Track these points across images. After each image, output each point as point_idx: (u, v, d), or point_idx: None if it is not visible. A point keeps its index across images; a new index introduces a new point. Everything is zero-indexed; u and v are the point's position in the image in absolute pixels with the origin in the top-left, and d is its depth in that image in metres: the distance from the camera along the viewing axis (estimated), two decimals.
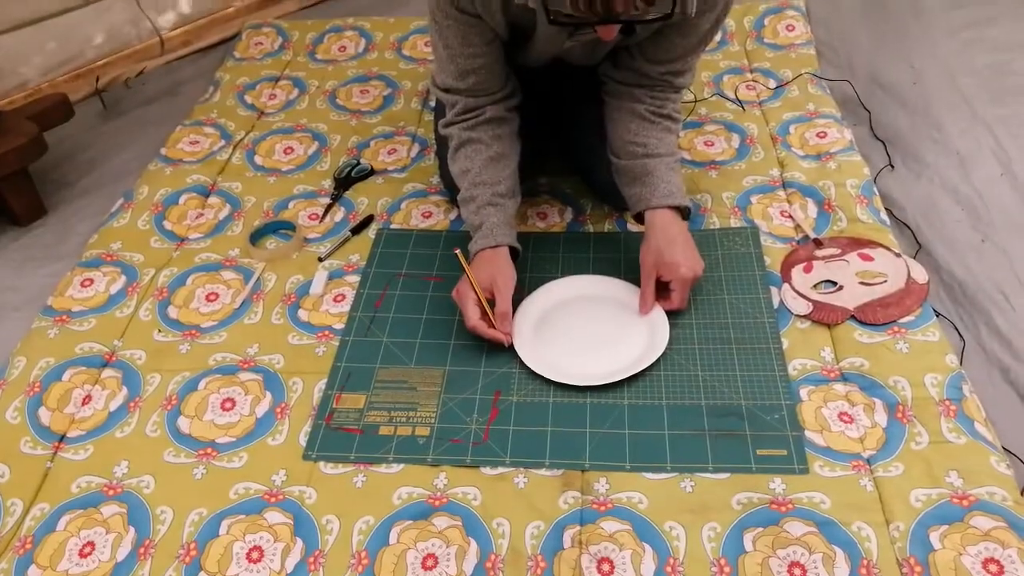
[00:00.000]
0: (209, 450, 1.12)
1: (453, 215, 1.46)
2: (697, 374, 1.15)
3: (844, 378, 1.13)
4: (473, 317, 1.15)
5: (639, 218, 1.25)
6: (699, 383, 1.14)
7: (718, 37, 1.79)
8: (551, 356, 1.18)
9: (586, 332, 1.20)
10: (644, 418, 1.10)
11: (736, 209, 1.40)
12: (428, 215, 1.47)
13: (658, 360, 1.15)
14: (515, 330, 1.21)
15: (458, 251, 1.17)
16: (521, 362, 1.17)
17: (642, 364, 1.14)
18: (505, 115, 1.23)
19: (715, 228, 1.37)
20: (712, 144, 1.55)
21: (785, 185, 1.44)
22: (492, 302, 1.18)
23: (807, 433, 1.07)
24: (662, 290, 1.21)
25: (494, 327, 1.17)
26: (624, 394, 1.13)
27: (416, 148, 1.63)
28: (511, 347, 1.18)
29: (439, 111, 1.48)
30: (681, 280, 1.18)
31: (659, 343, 1.17)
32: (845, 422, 1.08)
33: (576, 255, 1.34)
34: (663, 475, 1.05)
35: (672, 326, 1.19)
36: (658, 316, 1.20)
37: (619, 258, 1.32)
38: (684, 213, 1.22)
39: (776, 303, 1.24)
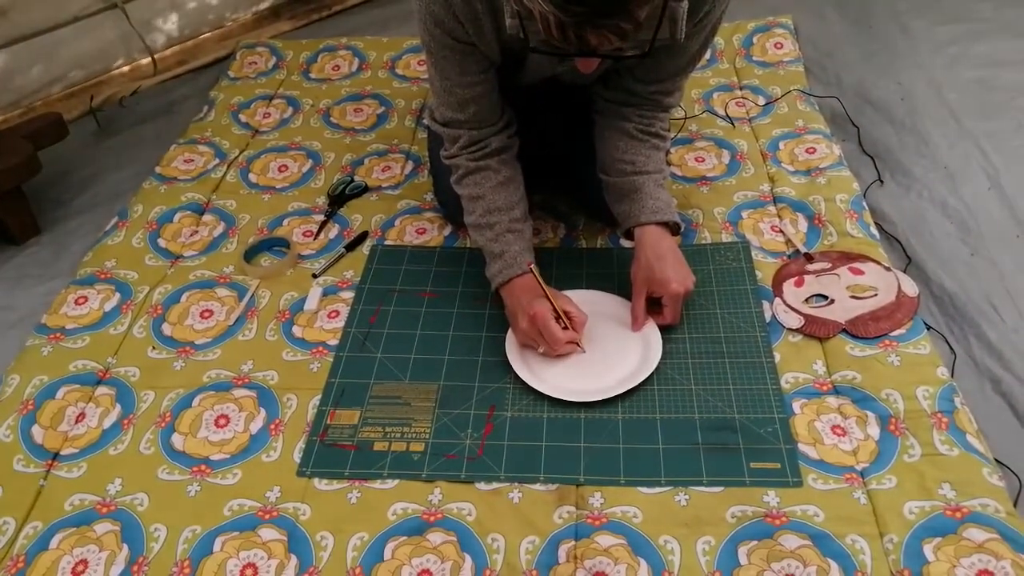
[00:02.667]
0: (203, 467, 1.12)
1: (447, 231, 1.47)
2: (691, 388, 1.15)
3: (836, 391, 1.13)
4: (560, 333, 1.14)
5: (628, 235, 1.25)
6: (693, 397, 1.14)
7: (707, 55, 1.81)
8: (546, 371, 1.18)
9: (593, 344, 1.20)
10: (638, 432, 1.10)
11: (727, 224, 1.41)
12: (422, 231, 1.47)
13: (652, 375, 1.16)
14: (509, 346, 1.21)
15: (532, 265, 1.17)
16: (515, 377, 1.17)
17: (636, 379, 1.14)
18: (507, 143, 1.24)
19: (706, 243, 1.38)
20: (703, 160, 1.56)
21: (776, 200, 1.45)
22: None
23: (800, 446, 1.07)
24: (654, 306, 1.22)
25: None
26: (618, 409, 1.13)
27: (410, 165, 1.63)
28: (505, 363, 1.19)
29: (434, 131, 1.49)
30: (672, 295, 1.18)
31: (653, 358, 1.17)
32: (838, 435, 1.08)
33: (569, 271, 1.34)
34: (657, 489, 1.05)
35: (665, 341, 1.20)
36: (651, 331, 1.21)
37: (612, 274, 1.32)
38: (674, 229, 1.23)
39: (768, 317, 1.24)
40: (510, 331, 1.23)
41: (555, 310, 1.16)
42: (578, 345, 1.18)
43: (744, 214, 1.43)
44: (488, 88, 1.18)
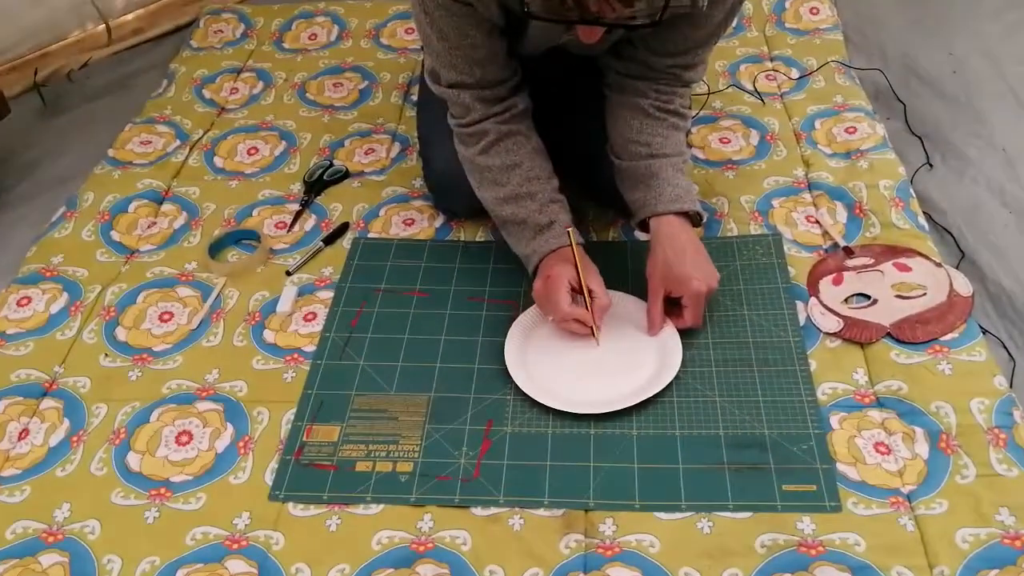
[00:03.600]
0: (163, 490, 1.12)
1: (439, 222, 1.47)
2: (714, 400, 1.15)
3: (880, 403, 1.13)
4: (566, 303, 1.16)
5: (643, 226, 1.25)
6: (717, 410, 1.14)
7: (734, 23, 1.80)
8: (550, 381, 1.18)
9: (589, 354, 1.20)
10: (655, 450, 1.11)
11: (756, 214, 1.41)
12: (410, 223, 1.47)
13: (670, 385, 1.16)
14: (509, 352, 1.22)
15: (571, 228, 1.20)
16: (516, 388, 1.18)
17: (652, 389, 1.14)
18: (530, 104, 1.26)
19: (733, 236, 1.38)
20: (728, 141, 1.56)
21: (811, 187, 1.45)
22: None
23: (839, 466, 1.07)
24: (673, 307, 1.22)
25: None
26: (632, 423, 1.13)
27: (396, 148, 1.63)
28: (505, 372, 1.19)
29: (425, 107, 1.49)
30: (693, 295, 1.18)
31: (671, 366, 1.17)
32: (882, 453, 1.08)
33: None
34: (677, 515, 1.05)
35: (686, 347, 1.20)
36: (670, 336, 1.21)
37: (626, 270, 1.32)
38: (695, 219, 1.23)
39: (802, 320, 1.24)
40: (510, 334, 1.24)
41: (579, 282, 1.18)
42: (591, 332, 1.19)
43: (775, 203, 1.43)
44: (495, 50, 1.18)
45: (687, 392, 1.16)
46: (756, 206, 1.43)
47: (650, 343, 1.21)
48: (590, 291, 1.18)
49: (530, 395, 1.16)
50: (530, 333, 1.25)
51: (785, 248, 1.35)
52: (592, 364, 1.19)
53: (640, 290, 1.25)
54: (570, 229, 1.20)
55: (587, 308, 1.18)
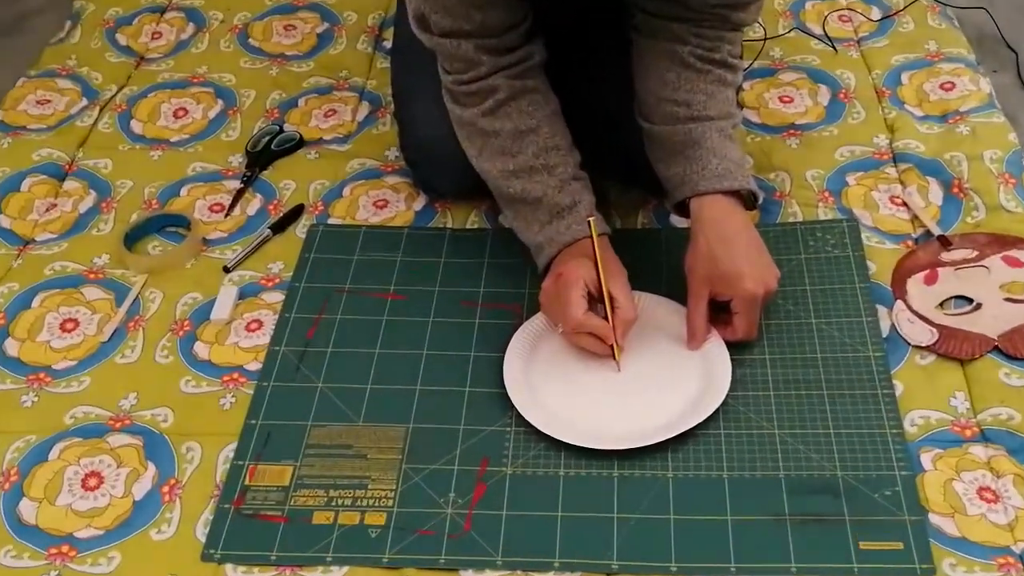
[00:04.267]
0: (65, 548, 1.11)
1: (419, 204, 1.46)
2: (772, 433, 1.15)
3: (985, 437, 1.13)
4: (579, 310, 1.16)
5: (682, 209, 1.25)
6: (776, 446, 1.14)
7: None
8: (561, 408, 1.18)
9: (611, 374, 1.20)
10: (696, 498, 1.10)
11: (826, 194, 1.41)
12: (383, 204, 1.47)
13: (716, 414, 1.15)
14: (509, 370, 1.21)
15: (592, 218, 1.20)
16: (518, 417, 1.17)
17: (693, 419, 1.14)
18: (545, 56, 1.26)
19: (796, 222, 1.38)
20: (791, 100, 1.56)
21: (896, 159, 1.45)
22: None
23: (932, 517, 1.07)
24: (720, 313, 1.21)
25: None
26: (667, 462, 1.13)
27: (365, 109, 1.63)
28: (504, 397, 1.19)
29: (402, 55, 1.48)
30: (746, 299, 1.18)
31: (717, 389, 1.17)
32: (987, 501, 1.08)
33: None
34: None
35: (736, 364, 1.19)
36: (715, 351, 1.20)
37: (659, 265, 1.32)
38: (748, 201, 1.23)
39: (885, 329, 1.24)
40: (511, 348, 1.23)
41: (598, 285, 1.17)
42: (610, 352, 1.18)
43: (851, 179, 1.43)
44: None
45: (737, 423, 1.16)
46: (826, 184, 1.42)
47: (690, 360, 1.21)
48: (612, 299, 1.18)
49: (536, 426, 1.16)
50: (536, 347, 1.25)
51: (863, 237, 1.34)
52: (616, 387, 1.19)
53: (678, 292, 1.25)
54: (592, 218, 1.20)
55: (607, 319, 1.18)
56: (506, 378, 1.21)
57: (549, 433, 1.15)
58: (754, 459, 1.13)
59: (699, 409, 1.15)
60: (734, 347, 1.21)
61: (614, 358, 1.19)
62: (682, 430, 1.13)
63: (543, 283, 1.22)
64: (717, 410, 1.15)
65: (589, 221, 1.19)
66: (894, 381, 1.19)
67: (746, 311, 1.19)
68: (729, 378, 1.17)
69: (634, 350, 1.21)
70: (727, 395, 1.16)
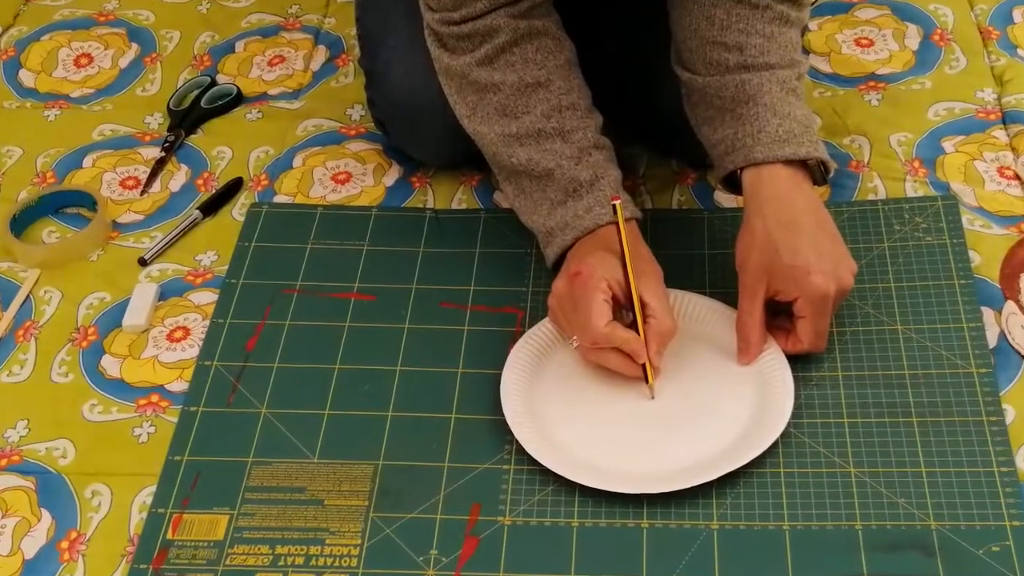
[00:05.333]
0: None
1: (391, 178, 1.47)
2: (847, 471, 1.15)
3: None
4: (601, 319, 1.16)
5: (732, 184, 1.25)
6: (850, 489, 1.13)
7: None
8: (574, 440, 1.18)
9: (638, 396, 1.21)
10: (748, 556, 1.10)
11: (916, 164, 1.42)
12: (344, 178, 1.48)
13: (773, 447, 1.15)
14: (507, 392, 1.22)
15: (619, 201, 1.20)
16: (519, 450, 1.18)
17: (744, 455, 1.14)
18: None
19: (877, 200, 1.38)
20: (870, 44, 1.57)
21: (1007, 119, 1.45)
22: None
23: None
24: (778, 317, 1.22)
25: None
26: (711, 510, 1.13)
27: (321, 55, 1.64)
28: (501, 425, 1.19)
29: None
30: (815, 299, 1.17)
31: (775, 416, 1.17)
32: None
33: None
34: None
35: (799, 383, 1.20)
36: (773, 367, 1.21)
37: (700, 258, 1.32)
38: (816, 173, 1.23)
39: (993, 339, 1.24)
40: (510, 364, 1.24)
41: (626, 287, 1.17)
42: (642, 374, 1.18)
43: (947, 145, 1.43)
44: None
45: (802, 459, 1.16)
46: (916, 151, 1.43)
47: (741, 378, 1.21)
48: (644, 305, 1.18)
49: (542, 463, 1.16)
50: (542, 362, 1.25)
51: (964, 220, 1.35)
52: (646, 414, 1.19)
53: (725, 291, 1.25)
54: (618, 201, 1.20)
55: (637, 332, 1.18)
56: (504, 402, 1.21)
57: (559, 472, 1.15)
58: (823, 506, 1.13)
59: (752, 442, 1.15)
60: (797, 362, 1.21)
61: (646, 381, 1.19)
62: (731, 469, 1.13)
63: (554, 282, 1.22)
64: (775, 443, 1.15)
65: (615, 204, 1.20)
66: (1004, 405, 1.19)
67: (814, 315, 1.19)
68: (791, 402, 1.17)
69: (670, 367, 1.21)
70: (788, 424, 1.16)
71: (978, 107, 1.47)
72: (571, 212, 1.23)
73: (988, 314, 1.26)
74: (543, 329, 1.26)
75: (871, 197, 1.39)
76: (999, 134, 1.44)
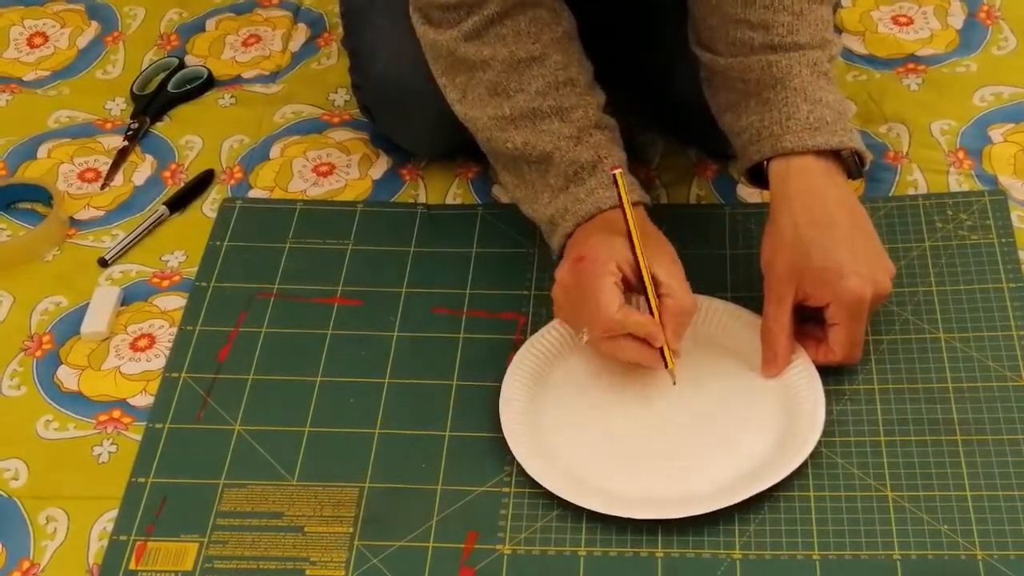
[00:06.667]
0: None
1: (378, 170, 1.46)
2: (884, 496, 1.14)
3: None
4: (612, 304, 1.15)
5: (757, 176, 1.24)
6: (887, 515, 1.12)
7: None
8: (581, 461, 1.18)
9: (653, 409, 1.20)
10: None
11: (961, 155, 1.41)
12: (327, 171, 1.47)
13: (802, 468, 1.14)
14: (507, 407, 1.21)
15: (619, 171, 1.19)
16: (520, 471, 1.17)
17: (770, 477, 1.13)
18: None
19: (918, 195, 1.37)
20: (909, 22, 1.56)
21: None
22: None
23: None
24: (805, 322, 1.21)
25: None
26: (733, 538, 1.12)
27: (301, 35, 1.64)
28: (500, 443, 1.18)
29: None
30: (849, 304, 1.17)
31: (804, 434, 1.16)
32: None
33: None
34: None
35: (831, 398, 1.19)
36: (801, 379, 1.20)
37: (722, 259, 1.32)
38: (851, 166, 1.22)
39: None
40: (510, 375, 1.23)
41: (636, 267, 1.16)
42: (660, 357, 1.18)
43: (995, 134, 1.43)
44: None
45: (834, 482, 1.15)
46: (961, 140, 1.42)
47: (767, 392, 1.20)
48: (657, 283, 1.17)
49: (546, 486, 1.15)
50: (546, 373, 1.24)
51: (1014, 217, 1.34)
52: (661, 431, 1.19)
53: (749, 295, 1.25)
54: (618, 171, 1.18)
55: (652, 313, 1.17)
56: (503, 418, 1.20)
57: (565, 497, 1.14)
58: (858, 533, 1.11)
59: (779, 463, 1.14)
60: (828, 374, 1.20)
61: (666, 366, 1.18)
62: (754, 493, 1.12)
63: (557, 274, 1.20)
64: (804, 463, 1.14)
65: (615, 174, 1.18)
66: None
67: (848, 322, 1.18)
68: (823, 418, 1.16)
69: (687, 379, 1.20)
70: (819, 443, 1.16)
71: None
72: (572, 197, 1.22)
73: None
74: (547, 336, 1.25)
75: (911, 192, 1.38)
76: None
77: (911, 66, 1.51)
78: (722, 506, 1.12)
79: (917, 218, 1.35)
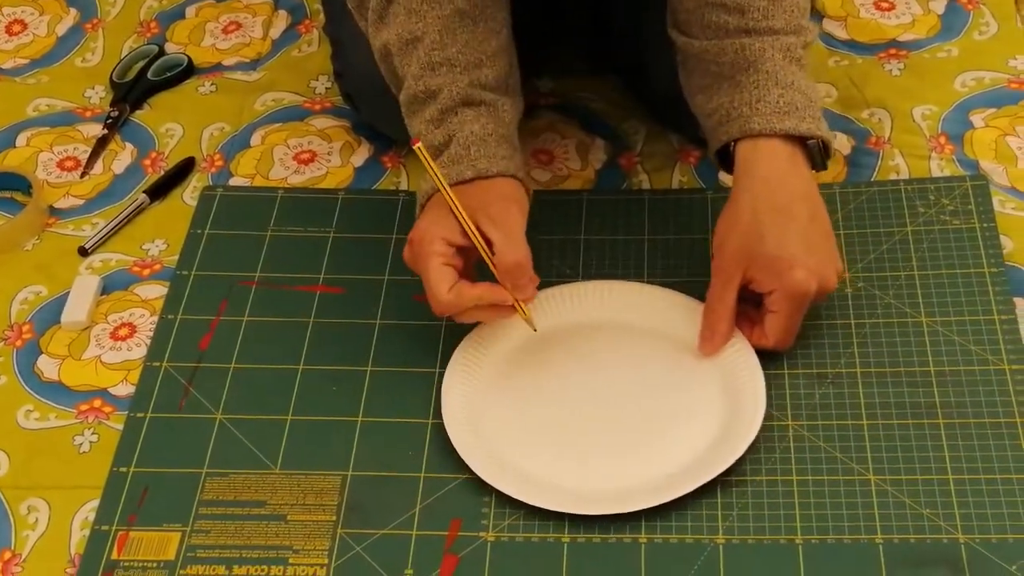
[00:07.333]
0: None
1: (360, 158, 1.47)
2: (867, 479, 1.15)
3: None
4: (441, 281, 1.16)
5: (724, 159, 1.25)
6: (869, 499, 1.13)
7: None
8: (557, 450, 1.19)
9: (624, 398, 1.21)
10: (757, 569, 1.10)
11: (942, 140, 1.42)
12: (308, 158, 1.48)
13: (784, 451, 1.16)
14: (450, 407, 1.21)
15: (417, 145, 1.17)
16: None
17: (724, 461, 1.14)
18: None
19: (899, 180, 1.38)
20: (891, 8, 1.56)
21: None
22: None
23: None
24: (743, 302, 1.22)
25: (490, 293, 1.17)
26: (716, 521, 1.13)
27: (282, 21, 1.64)
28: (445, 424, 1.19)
29: None
30: (792, 295, 1.17)
31: (746, 418, 1.17)
32: None
33: (613, 238, 1.35)
34: None
35: (808, 380, 1.20)
36: (739, 358, 1.22)
37: (702, 242, 1.32)
38: (816, 157, 1.23)
39: None
40: (451, 369, 1.24)
41: (464, 235, 1.17)
42: (519, 312, 1.19)
43: (976, 119, 1.43)
44: None
45: (816, 465, 1.16)
46: (942, 126, 1.43)
47: (707, 372, 1.22)
48: (487, 241, 1.17)
49: (497, 487, 1.15)
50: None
51: (995, 202, 1.35)
52: (603, 421, 1.20)
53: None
54: (417, 145, 1.16)
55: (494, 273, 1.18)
56: (445, 415, 1.21)
57: (521, 499, 1.14)
58: (840, 518, 1.12)
59: (732, 440, 1.16)
60: (802, 359, 1.22)
61: (524, 318, 1.19)
62: (715, 475, 1.13)
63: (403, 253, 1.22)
64: (787, 448, 1.16)
65: (419, 149, 1.15)
66: None
67: (787, 312, 1.19)
68: (763, 401, 1.18)
69: (657, 363, 1.23)
70: (802, 427, 1.17)
71: (1011, 77, 1.47)
72: (423, 180, 1.23)
73: (1022, 305, 1.26)
74: (485, 328, 1.27)
75: (892, 177, 1.39)
76: None
77: (893, 51, 1.52)
78: (689, 489, 1.13)
79: (899, 203, 1.36)
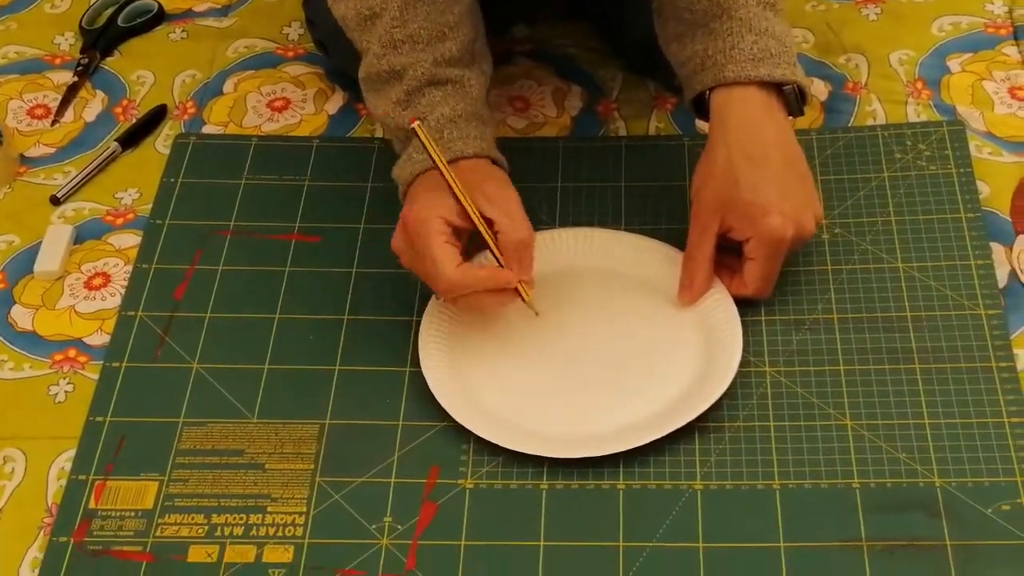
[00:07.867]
0: None
1: (334, 105, 1.47)
2: (843, 425, 1.16)
3: None
4: (450, 264, 1.15)
5: (700, 107, 1.25)
6: (846, 444, 1.15)
7: None
8: (534, 396, 1.20)
9: (602, 344, 1.22)
10: (735, 514, 1.11)
11: (919, 85, 1.42)
12: (282, 105, 1.48)
13: (761, 397, 1.17)
14: (430, 353, 1.22)
15: (416, 124, 1.16)
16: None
17: (700, 405, 1.15)
18: None
19: (876, 125, 1.39)
20: None
21: (1018, 34, 1.46)
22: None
23: None
24: (723, 252, 1.22)
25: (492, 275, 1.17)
26: (695, 467, 1.14)
27: None
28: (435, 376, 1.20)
29: None
30: (768, 241, 1.18)
31: (723, 364, 1.18)
32: None
33: (590, 184, 1.35)
34: None
35: (785, 327, 1.21)
36: (718, 307, 1.22)
37: (683, 188, 1.32)
38: (792, 102, 1.23)
39: (1003, 278, 1.25)
40: (426, 318, 1.24)
41: (464, 213, 1.17)
42: (519, 297, 1.19)
43: (953, 64, 1.44)
44: None
45: (793, 411, 1.17)
46: (919, 71, 1.43)
47: (685, 321, 1.23)
48: (489, 223, 1.17)
49: (475, 431, 1.16)
50: (458, 328, 1.25)
51: (972, 147, 1.35)
52: (604, 361, 1.21)
53: None
54: (416, 124, 1.16)
55: (493, 254, 1.18)
56: (423, 364, 1.21)
57: (500, 443, 1.15)
58: (817, 463, 1.14)
59: (707, 386, 1.17)
60: (789, 305, 1.22)
61: (525, 301, 1.19)
62: (688, 420, 1.14)
63: (391, 240, 1.21)
64: (764, 395, 1.17)
65: (414, 127, 1.15)
66: (1015, 350, 1.20)
67: (764, 259, 1.20)
68: (739, 347, 1.19)
69: (633, 311, 1.24)
70: (779, 373, 1.18)
71: (987, 21, 1.48)
72: (404, 160, 1.22)
73: (998, 250, 1.28)
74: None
75: (869, 122, 1.40)
76: (1010, 51, 1.45)
77: None
78: (679, 426, 1.14)
79: (876, 148, 1.37)
